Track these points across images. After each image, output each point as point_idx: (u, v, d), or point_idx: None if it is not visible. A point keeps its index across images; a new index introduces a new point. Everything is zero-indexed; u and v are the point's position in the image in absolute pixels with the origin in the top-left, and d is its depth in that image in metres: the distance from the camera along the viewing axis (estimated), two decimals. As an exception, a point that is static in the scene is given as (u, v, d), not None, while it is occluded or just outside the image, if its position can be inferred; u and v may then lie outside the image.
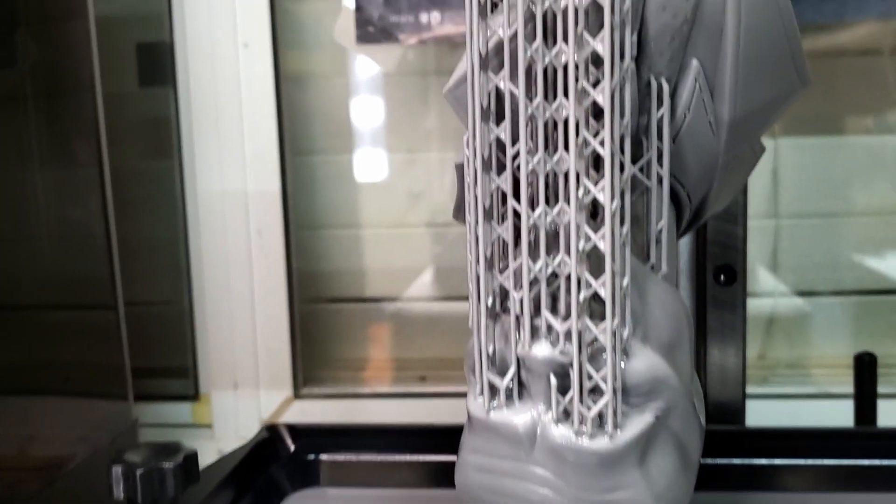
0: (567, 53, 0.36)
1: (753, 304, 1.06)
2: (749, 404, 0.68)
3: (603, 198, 0.36)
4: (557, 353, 0.37)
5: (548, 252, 0.38)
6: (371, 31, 0.91)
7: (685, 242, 0.60)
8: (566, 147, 0.37)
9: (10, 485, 0.84)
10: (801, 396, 0.97)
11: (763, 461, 0.53)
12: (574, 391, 0.37)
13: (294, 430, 0.58)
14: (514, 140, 0.38)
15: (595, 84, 0.37)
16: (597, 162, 0.37)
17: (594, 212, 0.38)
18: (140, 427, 0.96)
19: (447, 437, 0.45)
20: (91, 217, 0.99)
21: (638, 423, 0.38)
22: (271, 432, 0.58)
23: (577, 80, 0.36)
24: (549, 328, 0.38)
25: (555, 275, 0.38)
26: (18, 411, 0.88)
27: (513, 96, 0.37)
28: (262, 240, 0.98)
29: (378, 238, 1.07)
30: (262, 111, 0.95)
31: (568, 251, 0.37)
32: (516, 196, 0.38)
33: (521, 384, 0.39)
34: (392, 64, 0.97)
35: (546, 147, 0.37)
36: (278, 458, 0.57)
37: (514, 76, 0.37)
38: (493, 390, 0.39)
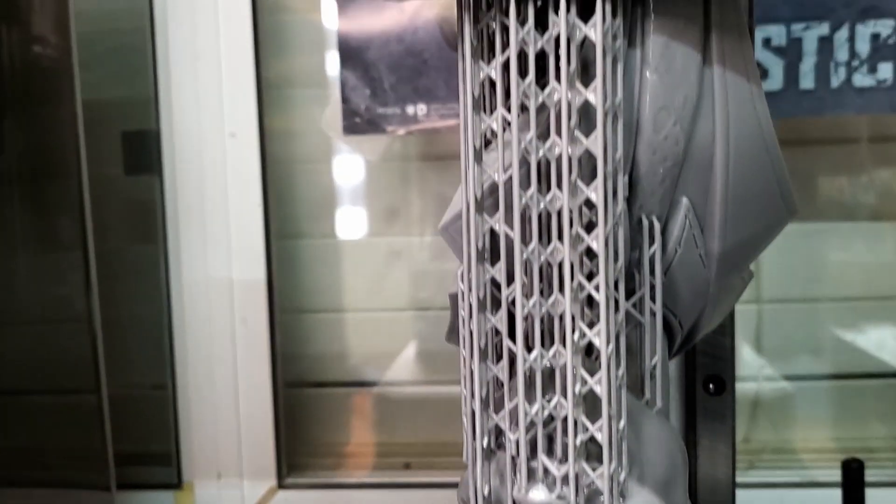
0: (561, 200, 0.37)
1: (738, 388, 1.06)
2: (738, 493, 0.68)
3: (599, 342, 0.37)
4: (555, 499, 0.37)
5: (544, 393, 0.38)
6: (358, 122, 0.92)
7: (674, 349, 0.61)
8: (561, 289, 0.37)
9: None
10: (789, 485, 0.97)
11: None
12: (571, 536, 0.37)
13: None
14: (510, 280, 0.38)
15: (588, 227, 0.37)
16: (591, 299, 0.38)
17: (589, 348, 0.39)
18: (122, 518, 0.94)
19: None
20: (75, 300, 0.98)
21: (635, 565, 0.38)
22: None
23: (571, 225, 0.37)
24: (546, 471, 0.38)
25: (551, 416, 0.38)
26: (-2, 505, 0.87)
27: (508, 238, 0.38)
28: (246, 328, 0.97)
29: (362, 321, 1.07)
30: (249, 200, 0.95)
31: (564, 393, 0.37)
32: (511, 335, 0.38)
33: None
34: (377, 153, 0.98)
35: (541, 290, 0.38)
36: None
37: (509, 220, 0.38)
38: (490, 531, 0.39)
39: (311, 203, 1.04)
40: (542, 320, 0.38)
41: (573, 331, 0.37)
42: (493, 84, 0.38)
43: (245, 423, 1.00)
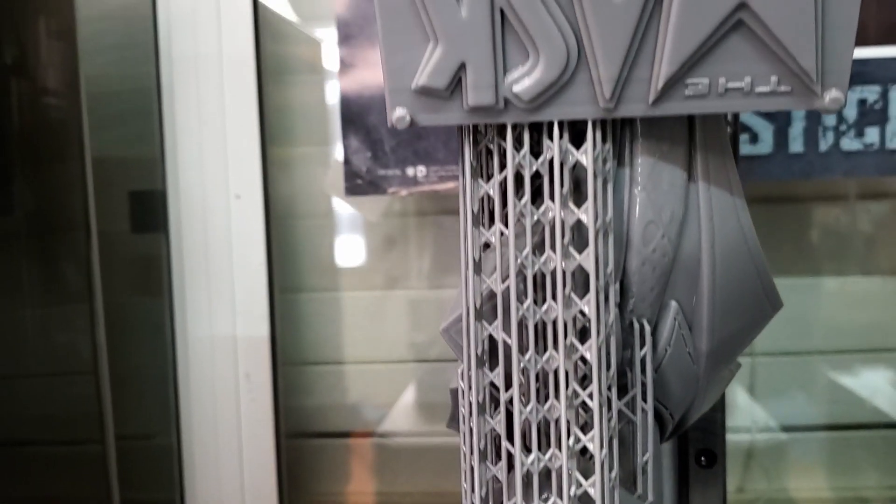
0: (556, 311, 0.39)
1: (732, 438, 1.08)
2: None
3: (593, 447, 0.39)
4: None
5: (540, 493, 0.40)
6: (359, 183, 0.94)
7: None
8: (557, 395, 0.39)
9: None
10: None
11: None
12: None
13: None
14: (508, 384, 0.40)
15: (583, 332, 0.40)
16: (585, 402, 0.40)
17: (583, 448, 0.41)
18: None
19: None
20: (82, 352, 1.00)
21: None
22: None
23: (566, 335, 0.39)
24: (543, 569, 0.40)
25: (547, 515, 0.40)
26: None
27: (506, 345, 0.40)
28: (250, 383, 0.99)
29: (362, 373, 1.09)
30: (253, 259, 0.97)
31: (560, 494, 0.39)
32: (510, 436, 0.40)
33: None
34: (377, 213, 1.01)
35: (538, 395, 0.40)
36: None
37: (507, 327, 0.40)
38: None
39: (312, 258, 1.06)
40: (538, 424, 0.40)
41: (568, 436, 0.39)
42: (491, 200, 0.40)
43: (248, 473, 1.02)
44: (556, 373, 0.39)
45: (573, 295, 0.39)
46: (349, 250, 1.05)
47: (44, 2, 0.96)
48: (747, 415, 1.07)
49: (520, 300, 0.39)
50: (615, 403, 0.40)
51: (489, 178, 0.40)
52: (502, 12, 0.35)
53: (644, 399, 0.43)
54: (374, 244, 1.04)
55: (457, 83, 0.37)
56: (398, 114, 0.38)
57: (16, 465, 1.01)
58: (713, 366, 0.45)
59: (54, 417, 1.03)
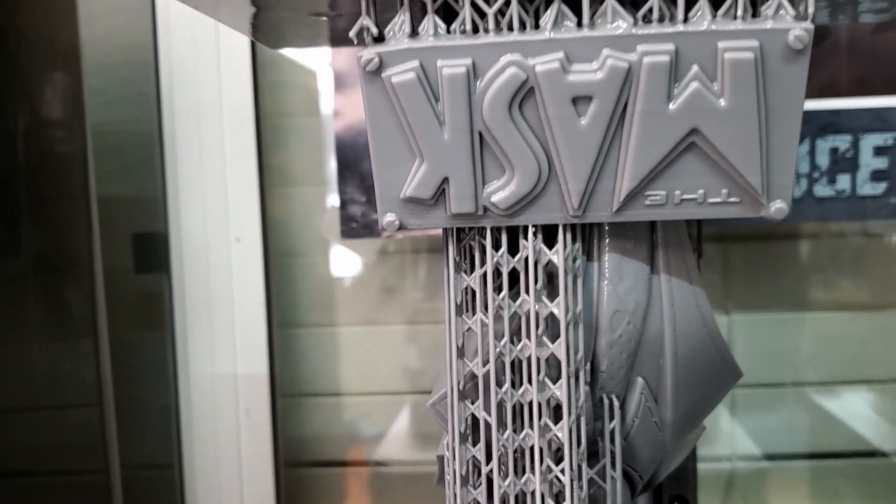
0: (532, 394, 0.43)
1: (713, 467, 1.13)
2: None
3: (564, 517, 0.43)
4: None
5: (518, 558, 0.44)
6: (354, 227, 0.98)
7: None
8: (532, 470, 0.44)
9: None
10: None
11: None
12: None
13: None
14: (489, 458, 0.45)
15: (557, 409, 0.44)
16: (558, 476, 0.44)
17: (557, 513, 0.45)
18: None
19: None
20: (87, 386, 1.04)
21: None
22: None
23: (540, 416, 0.43)
24: None
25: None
26: None
27: (486, 423, 0.44)
28: (250, 419, 1.04)
29: (358, 404, 1.13)
30: (252, 300, 1.01)
31: (535, 559, 0.43)
32: (491, 505, 0.45)
33: None
34: (373, 254, 1.05)
35: (515, 469, 0.44)
36: None
37: (487, 408, 0.44)
38: None
39: (310, 294, 1.10)
40: (516, 497, 0.44)
41: (543, 506, 0.43)
42: (473, 291, 0.44)
43: (248, 501, 1.06)
44: (531, 449, 0.44)
45: (547, 380, 0.43)
46: (345, 287, 1.10)
47: (52, 53, 1.01)
48: (728, 444, 1.11)
49: (499, 383, 0.44)
50: (586, 474, 0.45)
51: (471, 271, 0.44)
52: (480, 135, 0.40)
53: (613, 467, 0.47)
54: (369, 280, 1.08)
55: (441, 193, 0.41)
56: (388, 219, 0.42)
57: (21, 494, 1.05)
58: (678, 432, 0.50)
59: (61, 448, 1.07)
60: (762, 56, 0.37)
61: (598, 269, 0.44)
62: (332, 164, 1.02)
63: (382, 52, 0.38)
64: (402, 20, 0.39)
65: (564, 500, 0.43)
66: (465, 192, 0.41)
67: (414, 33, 0.39)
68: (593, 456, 0.47)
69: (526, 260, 0.43)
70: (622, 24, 0.37)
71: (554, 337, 0.43)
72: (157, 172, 1.04)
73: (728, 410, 1.11)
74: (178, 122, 1.02)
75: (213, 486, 1.08)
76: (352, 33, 0.39)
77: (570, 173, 0.40)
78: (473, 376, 0.45)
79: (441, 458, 0.50)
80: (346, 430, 1.14)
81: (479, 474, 0.45)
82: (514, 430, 0.44)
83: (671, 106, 0.38)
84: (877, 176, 0.93)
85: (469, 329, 0.45)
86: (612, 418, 0.46)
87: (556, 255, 0.42)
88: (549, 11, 0.38)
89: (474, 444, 0.45)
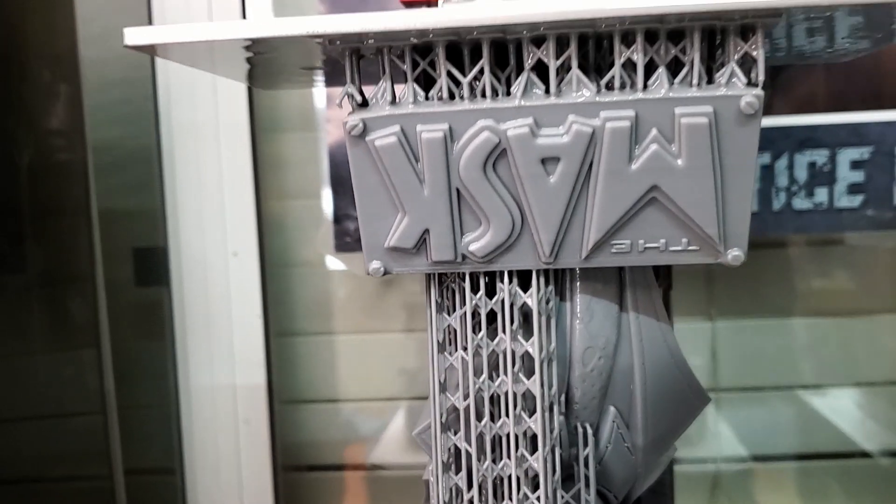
0: (509, 427, 0.47)
1: (698, 468, 1.16)
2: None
3: (540, 541, 0.46)
4: None
5: (498, 577, 0.47)
6: (348, 241, 1.02)
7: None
8: (510, 497, 0.47)
9: None
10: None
11: None
12: None
13: None
14: (470, 485, 0.48)
15: (533, 440, 0.47)
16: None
17: (535, 535, 0.48)
18: None
19: None
20: (90, 395, 1.08)
21: None
22: None
23: (517, 448, 0.46)
24: None
25: None
26: None
27: (467, 453, 0.48)
28: (249, 428, 1.07)
29: (355, 409, 1.16)
30: (250, 312, 1.04)
31: (514, 579, 0.47)
32: (472, 528, 0.48)
33: None
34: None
35: (495, 496, 0.47)
36: None
37: (468, 439, 0.47)
38: None
39: (307, 303, 1.14)
40: (495, 521, 0.47)
41: (520, 531, 0.47)
42: (454, 330, 0.47)
43: (248, 508, 1.10)
44: (509, 478, 0.47)
45: (523, 413, 0.46)
46: (341, 296, 1.13)
47: (52, 72, 1.03)
48: (713, 446, 1.14)
49: (478, 416, 0.47)
50: (561, 498, 0.48)
51: (452, 311, 0.47)
52: (458, 191, 0.43)
53: (588, 491, 0.50)
54: (365, 289, 1.11)
55: (422, 243, 0.44)
56: (374, 266, 0.45)
57: (33, 500, 1.09)
58: (650, 454, 0.53)
59: (66, 455, 1.10)
60: (716, 120, 0.40)
61: (570, 309, 0.48)
62: (327, 179, 1.05)
63: (366, 118, 0.42)
64: (384, 87, 0.42)
65: (540, 524, 0.46)
66: (444, 242, 0.44)
67: (395, 100, 0.42)
68: (569, 479, 0.50)
69: (503, 302, 0.46)
70: (586, 92, 0.40)
71: (529, 373, 0.46)
72: (157, 188, 1.07)
73: (713, 413, 1.14)
74: (176, 138, 1.05)
75: (213, 490, 1.12)
76: (338, 101, 0.42)
77: (541, 225, 0.43)
78: (455, 409, 0.48)
79: (427, 483, 0.53)
80: (343, 434, 1.18)
81: (462, 500, 0.48)
82: (493, 460, 0.47)
83: (633, 166, 0.41)
84: (854, 189, 0.96)
85: (450, 365, 0.48)
86: (585, 445, 0.50)
87: (531, 298, 0.45)
88: (519, 80, 0.41)
89: (456, 473, 0.48)
